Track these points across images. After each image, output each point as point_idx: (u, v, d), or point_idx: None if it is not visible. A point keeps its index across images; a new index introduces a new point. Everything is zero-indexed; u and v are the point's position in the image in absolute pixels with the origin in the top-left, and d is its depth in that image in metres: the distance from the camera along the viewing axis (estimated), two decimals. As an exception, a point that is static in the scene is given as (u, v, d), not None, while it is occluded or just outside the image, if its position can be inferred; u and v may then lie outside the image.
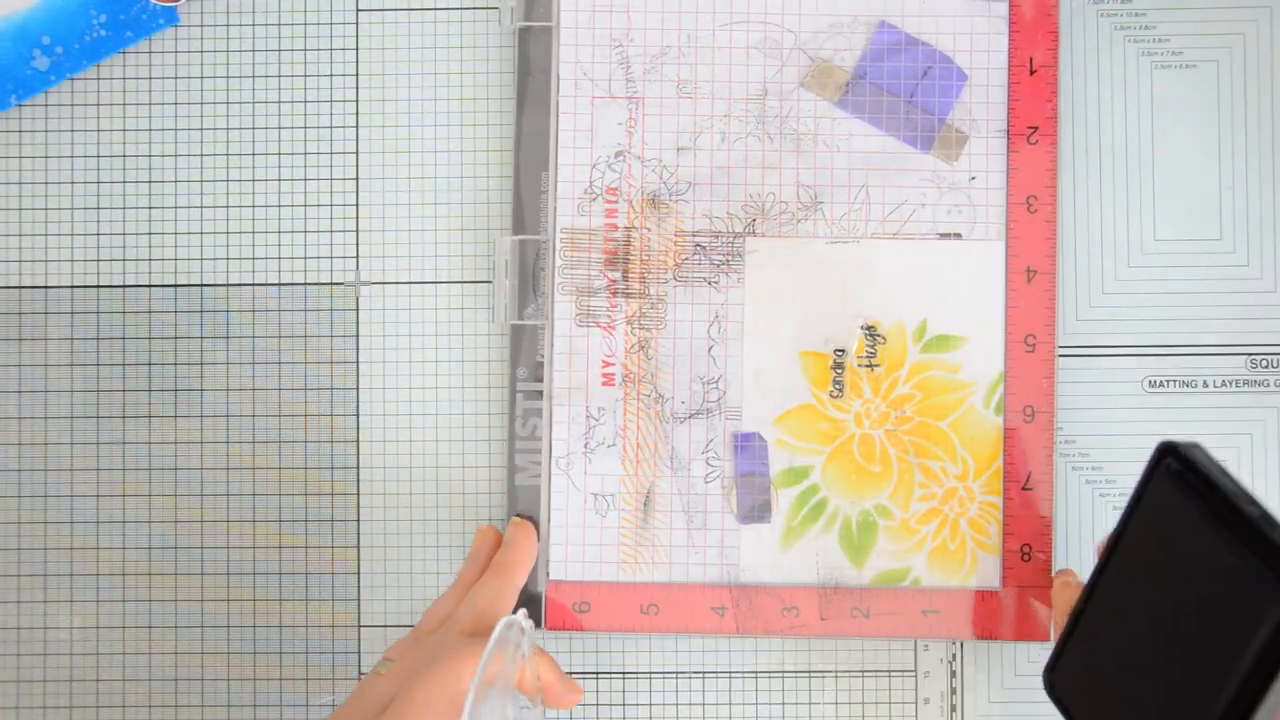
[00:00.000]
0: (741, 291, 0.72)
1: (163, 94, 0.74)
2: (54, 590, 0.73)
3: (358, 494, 0.74)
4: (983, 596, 0.71)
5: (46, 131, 0.74)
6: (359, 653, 0.73)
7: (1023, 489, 0.71)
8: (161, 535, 0.73)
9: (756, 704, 0.73)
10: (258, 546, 0.73)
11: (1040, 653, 0.72)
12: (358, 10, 0.74)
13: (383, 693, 0.62)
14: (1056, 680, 0.58)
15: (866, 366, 0.72)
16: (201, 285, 0.74)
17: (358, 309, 0.74)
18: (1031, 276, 0.72)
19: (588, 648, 0.73)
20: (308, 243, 0.74)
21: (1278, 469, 0.72)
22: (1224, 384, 0.73)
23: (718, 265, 0.72)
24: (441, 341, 0.74)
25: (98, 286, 0.74)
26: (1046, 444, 0.71)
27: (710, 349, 0.72)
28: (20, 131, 0.74)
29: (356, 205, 0.74)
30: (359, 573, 0.73)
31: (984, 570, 0.72)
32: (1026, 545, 0.71)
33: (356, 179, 0.74)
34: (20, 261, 0.74)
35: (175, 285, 0.74)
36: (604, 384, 0.72)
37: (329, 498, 0.73)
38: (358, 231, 0.74)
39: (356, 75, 0.74)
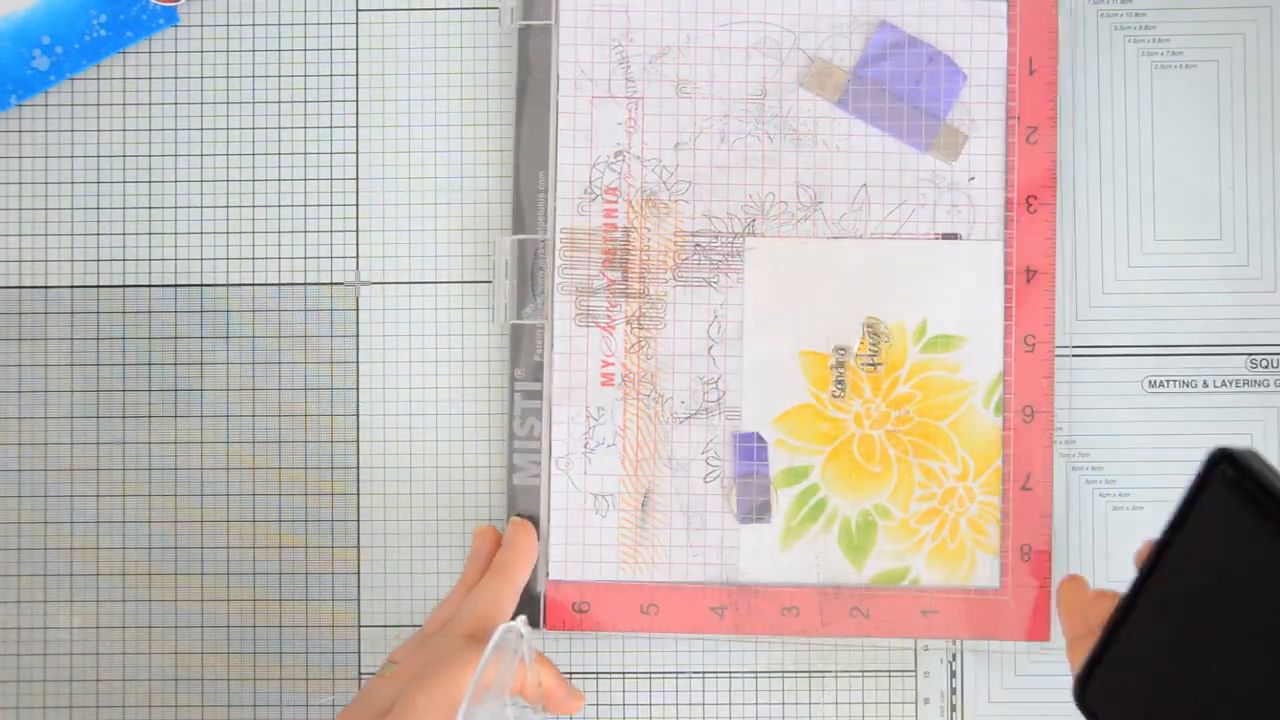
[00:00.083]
0: (741, 291, 0.72)
1: (163, 94, 0.74)
2: (54, 590, 0.73)
3: (358, 494, 0.74)
4: (982, 596, 0.71)
5: (46, 131, 0.74)
6: (359, 653, 0.73)
7: (1022, 489, 0.71)
8: (161, 535, 0.73)
9: (756, 704, 0.73)
10: (258, 546, 0.73)
11: (1040, 653, 0.72)
12: (358, 10, 0.74)
13: (385, 697, 0.62)
14: (1091, 693, 0.54)
15: (867, 366, 0.72)
16: (201, 285, 0.74)
17: (358, 309, 0.74)
18: (1031, 276, 0.72)
19: (588, 648, 0.73)
20: (308, 243, 0.74)
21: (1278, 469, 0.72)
22: (1224, 384, 0.73)
23: (717, 265, 0.72)
24: (441, 341, 0.74)
25: (98, 286, 0.74)
26: (1046, 444, 0.71)
27: (710, 349, 0.72)
28: (20, 131, 0.74)
29: (356, 205, 0.74)
30: (359, 573, 0.73)
31: (983, 570, 0.72)
32: (1026, 545, 0.71)
33: (356, 179, 0.74)
34: (20, 261, 0.74)
35: (175, 285, 0.74)
36: (604, 384, 0.72)
37: (329, 498, 0.73)
38: (358, 231, 0.74)
39: (356, 75, 0.74)
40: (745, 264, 0.72)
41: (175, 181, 0.74)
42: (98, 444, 0.74)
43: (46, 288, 0.74)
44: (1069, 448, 0.73)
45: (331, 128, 0.74)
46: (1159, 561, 0.51)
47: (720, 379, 0.72)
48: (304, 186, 0.74)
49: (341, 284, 0.74)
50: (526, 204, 0.72)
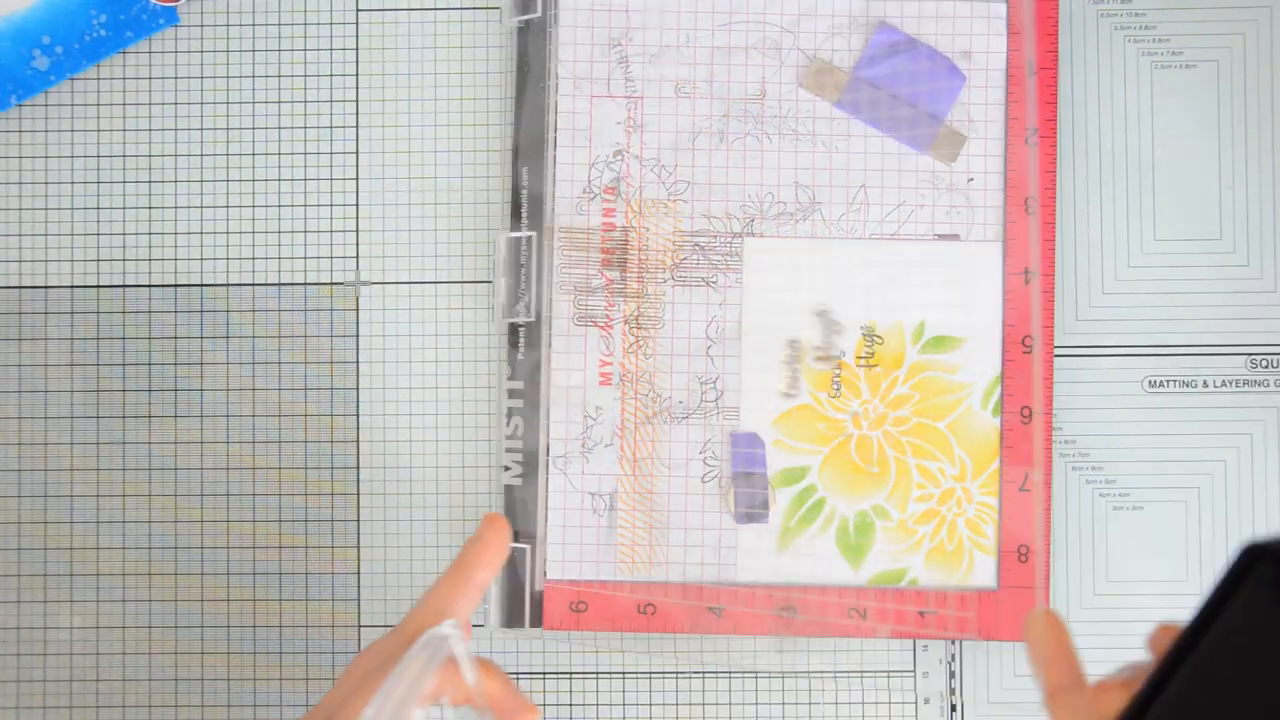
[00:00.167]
0: (739, 292, 0.72)
1: (163, 94, 0.74)
2: (54, 590, 0.74)
3: (358, 494, 0.74)
4: (980, 597, 0.71)
5: (46, 131, 0.74)
6: (359, 653, 0.73)
7: (1020, 490, 0.71)
8: (161, 535, 0.73)
9: (756, 704, 0.73)
10: (258, 546, 0.73)
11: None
12: (358, 10, 0.74)
13: (332, 699, 0.59)
14: None
15: (865, 367, 0.72)
16: (201, 285, 0.74)
17: (358, 309, 0.74)
18: (1029, 278, 0.72)
19: (587, 648, 0.73)
20: (308, 243, 0.74)
21: (1278, 469, 0.72)
22: (1224, 384, 0.73)
23: (716, 265, 0.72)
24: (441, 341, 0.74)
25: (98, 286, 0.74)
26: (1044, 445, 0.71)
27: (708, 349, 0.72)
28: (20, 131, 0.74)
29: (356, 205, 0.74)
30: (359, 573, 0.73)
31: (981, 571, 0.72)
32: (1024, 546, 0.71)
33: (356, 179, 0.74)
34: (20, 261, 0.74)
35: (175, 285, 0.74)
36: (601, 383, 0.72)
37: (329, 498, 0.73)
38: (358, 231, 0.74)
39: (356, 75, 0.74)
40: (744, 264, 0.72)
41: (175, 181, 0.74)
42: (98, 444, 0.74)
43: (46, 288, 0.74)
44: (1069, 448, 0.73)
45: (331, 128, 0.74)
46: (1181, 661, 0.45)
47: (718, 379, 0.72)
48: (304, 186, 0.74)
49: (341, 284, 0.74)
50: (525, 203, 0.73)
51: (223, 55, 0.74)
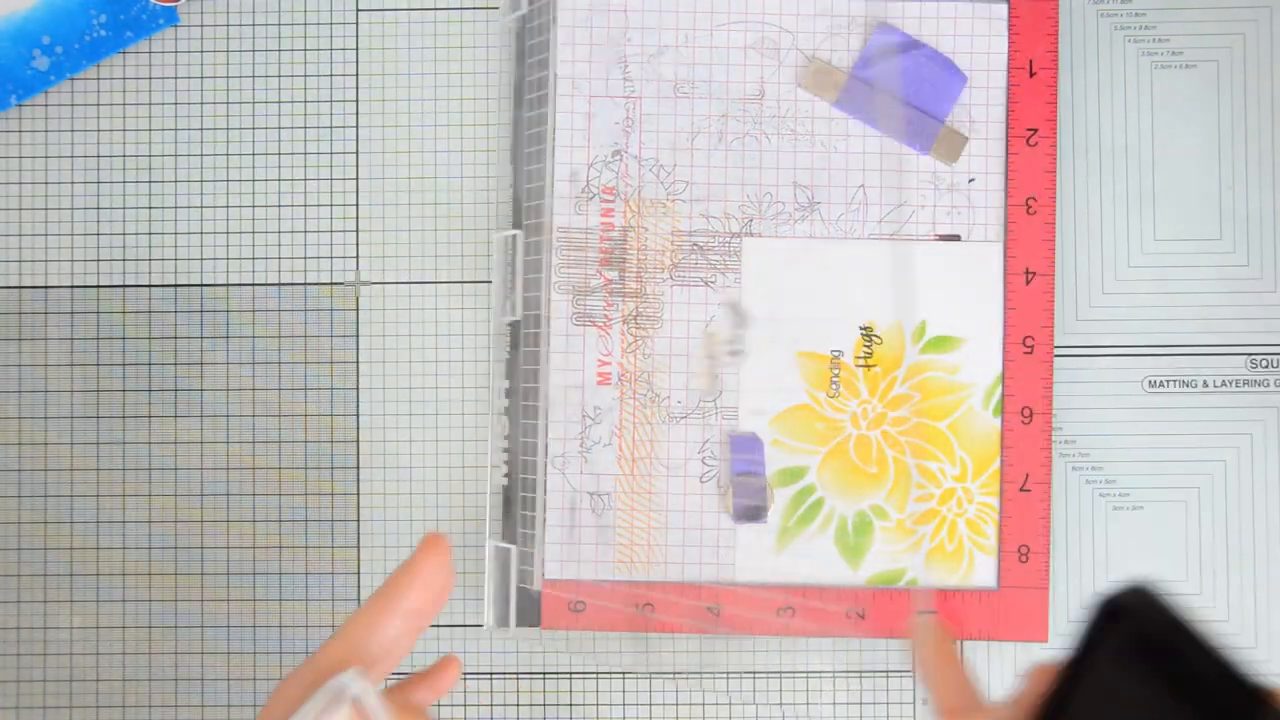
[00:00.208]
0: (738, 292, 0.72)
1: (163, 94, 0.74)
2: (54, 590, 0.74)
3: (358, 494, 0.74)
4: (980, 597, 0.71)
5: (46, 131, 0.74)
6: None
7: (1020, 490, 0.71)
8: (161, 535, 0.74)
9: (756, 704, 0.73)
10: (258, 546, 0.73)
11: (1040, 653, 0.72)
12: (358, 10, 0.74)
13: None
14: None
15: (864, 367, 0.72)
16: (201, 285, 0.74)
17: (358, 309, 0.74)
18: (1030, 278, 0.72)
19: (585, 648, 0.73)
20: (308, 243, 0.74)
21: (1278, 469, 0.72)
22: (1224, 384, 0.73)
23: (714, 265, 0.72)
24: (441, 341, 0.74)
25: (98, 286, 0.74)
26: (1044, 446, 0.71)
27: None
28: (20, 131, 0.74)
29: (357, 205, 0.74)
30: (359, 573, 0.73)
31: (981, 571, 0.72)
32: (1024, 546, 0.71)
33: (356, 179, 0.74)
34: (20, 261, 0.74)
35: (175, 285, 0.74)
36: (600, 383, 0.72)
37: (329, 498, 0.73)
38: (358, 231, 0.74)
39: (357, 75, 0.74)
40: (742, 264, 0.72)
41: (175, 181, 0.74)
42: (98, 444, 0.74)
43: (46, 288, 0.74)
44: (1069, 448, 0.73)
45: (331, 128, 0.74)
46: (1053, 712, 0.43)
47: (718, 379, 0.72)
48: (304, 186, 0.74)
49: (341, 284, 0.74)
50: (525, 203, 0.73)
51: (223, 55, 0.74)
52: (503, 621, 0.72)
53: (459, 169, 0.74)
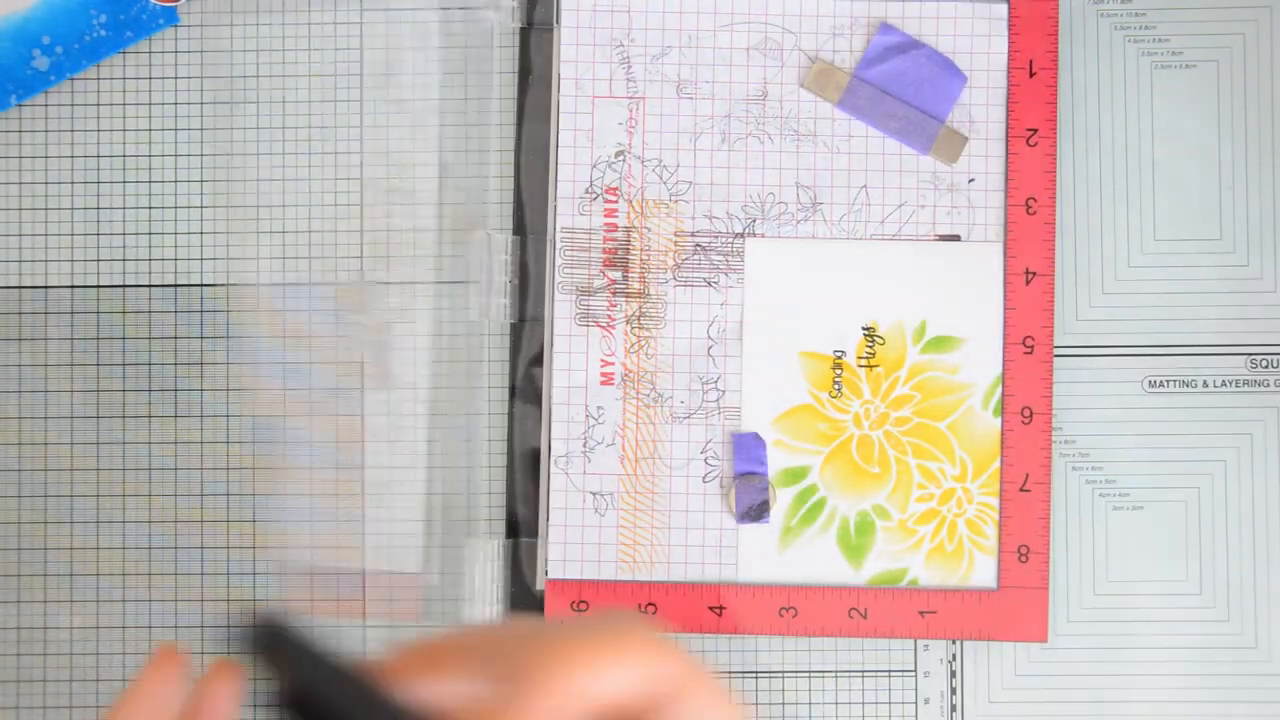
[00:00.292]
0: (741, 292, 0.72)
1: (163, 94, 0.74)
2: (54, 590, 0.73)
3: (361, 494, 0.73)
4: (980, 597, 0.71)
5: (46, 131, 0.74)
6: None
7: (1020, 490, 0.71)
8: (161, 535, 0.73)
9: (756, 704, 0.73)
10: (257, 546, 0.73)
11: (1040, 653, 0.72)
12: (361, 10, 0.74)
13: None
14: None
15: (866, 367, 0.72)
16: (201, 285, 0.74)
17: (357, 309, 0.74)
18: (1030, 279, 0.72)
19: (587, 648, 0.73)
20: (310, 243, 0.74)
21: (1278, 469, 0.72)
22: (1224, 384, 0.73)
23: (717, 265, 0.72)
24: (442, 341, 0.74)
25: (98, 286, 0.74)
26: (1044, 446, 0.71)
27: (709, 349, 0.72)
28: (20, 131, 0.74)
29: (361, 205, 0.74)
30: (363, 573, 0.73)
31: (981, 571, 0.72)
32: (1024, 546, 0.71)
33: (361, 179, 0.74)
34: (20, 261, 0.74)
35: (175, 285, 0.74)
36: (603, 383, 0.72)
37: (330, 498, 0.73)
38: (361, 231, 0.74)
39: (360, 75, 0.74)
40: (745, 265, 0.72)
41: (175, 181, 0.74)
42: (98, 444, 0.74)
43: (46, 288, 0.74)
44: (1068, 448, 0.73)
45: (335, 128, 0.74)
46: None
47: (720, 379, 0.72)
48: (307, 186, 0.74)
49: (343, 284, 0.74)
50: (527, 204, 0.73)
51: (224, 55, 0.74)
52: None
53: (461, 169, 0.74)
